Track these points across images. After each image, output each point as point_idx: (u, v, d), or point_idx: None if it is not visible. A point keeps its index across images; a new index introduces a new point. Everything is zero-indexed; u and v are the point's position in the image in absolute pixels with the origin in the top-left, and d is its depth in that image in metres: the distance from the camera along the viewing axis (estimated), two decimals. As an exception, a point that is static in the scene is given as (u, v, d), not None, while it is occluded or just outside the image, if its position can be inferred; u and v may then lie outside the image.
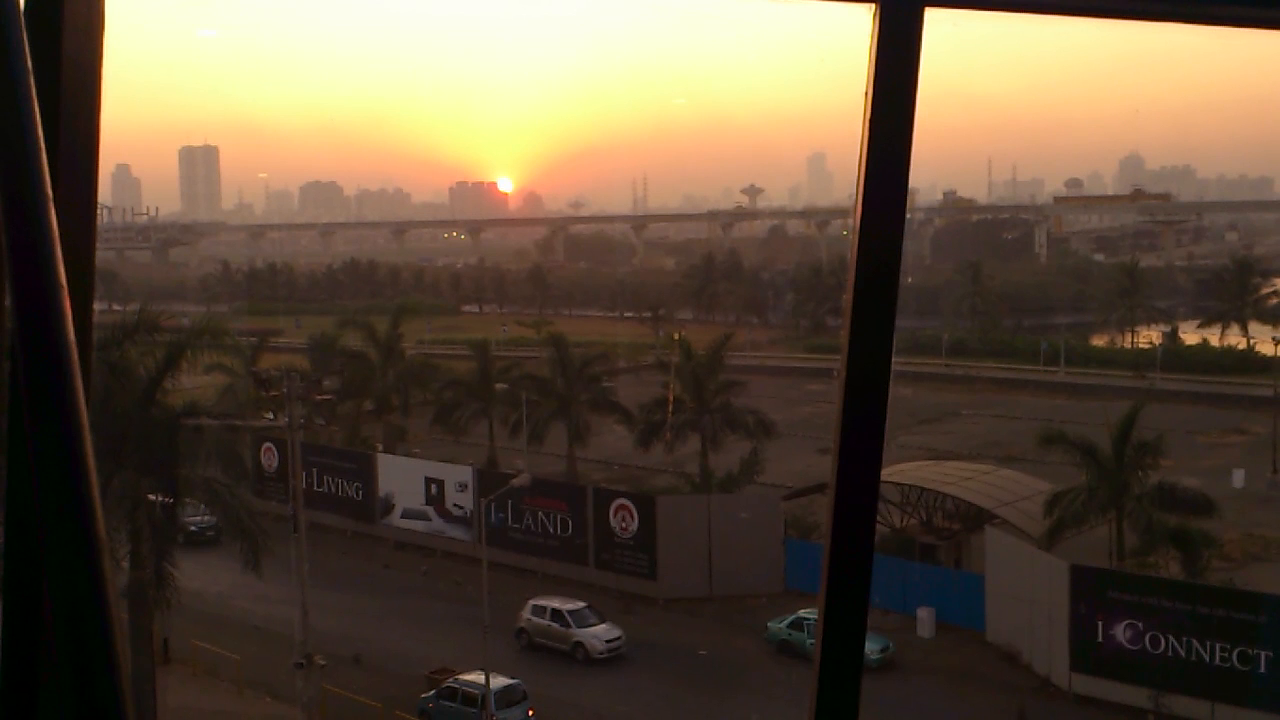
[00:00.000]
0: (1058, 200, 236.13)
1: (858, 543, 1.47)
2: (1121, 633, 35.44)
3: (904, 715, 34.14)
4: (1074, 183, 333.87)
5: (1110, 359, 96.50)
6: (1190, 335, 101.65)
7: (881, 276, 1.46)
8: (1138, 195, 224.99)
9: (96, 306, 1.71)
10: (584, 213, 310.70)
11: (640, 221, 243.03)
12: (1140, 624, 35.13)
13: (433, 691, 35.47)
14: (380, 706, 34.84)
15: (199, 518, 43.47)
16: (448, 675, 35.91)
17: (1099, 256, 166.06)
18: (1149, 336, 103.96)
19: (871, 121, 1.45)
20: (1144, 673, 34.69)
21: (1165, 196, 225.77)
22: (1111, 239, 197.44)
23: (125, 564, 31.66)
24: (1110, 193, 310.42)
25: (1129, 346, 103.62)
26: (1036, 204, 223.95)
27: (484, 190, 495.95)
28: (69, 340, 1.19)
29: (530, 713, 34.43)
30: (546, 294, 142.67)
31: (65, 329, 1.19)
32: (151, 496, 32.61)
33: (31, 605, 1.50)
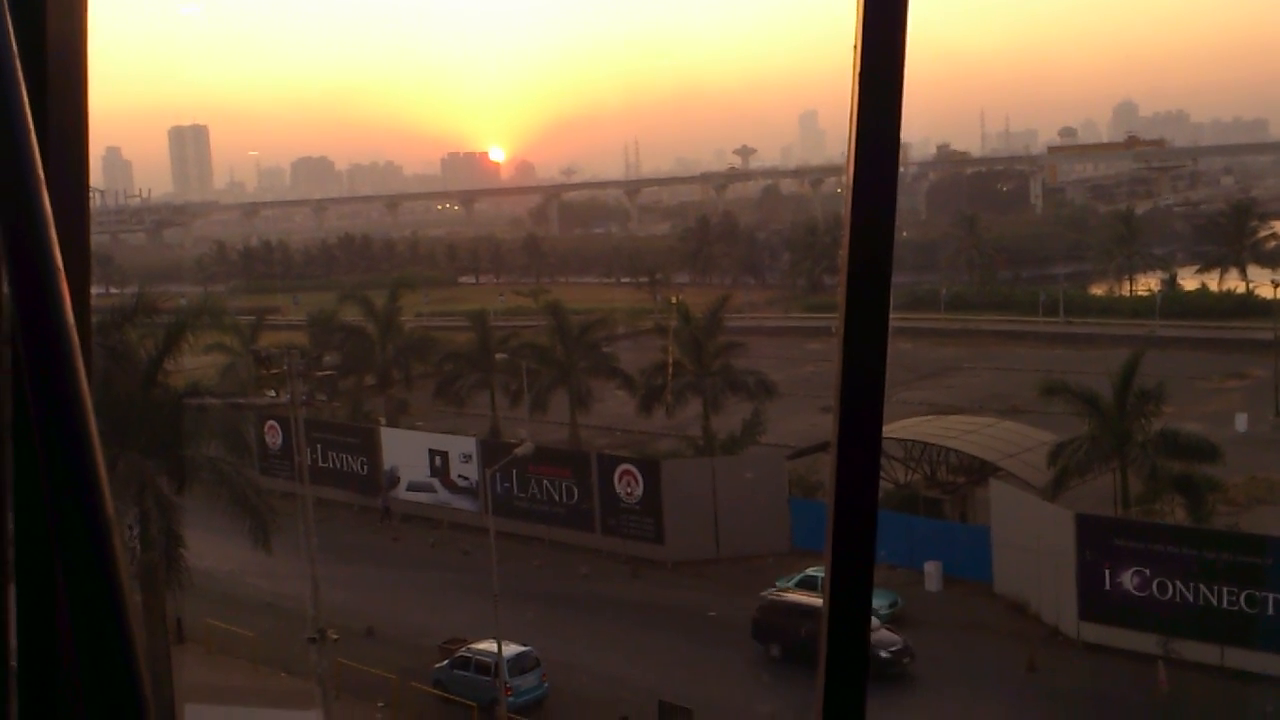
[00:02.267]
0: (1052, 150, 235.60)
1: (862, 500, 1.47)
2: (1129, 580, 35.59)
3: (914, 668, 34.35)
4: (1068, 132, 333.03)
5: (1109, 307, 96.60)
6: (1189, 281, 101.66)
7: (876, 233, 1.43)
8: (1132, 142, 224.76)
9: (93, 290, 1.74)
10: (576, 179, 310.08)
11: (633, 186, 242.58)
12: (1147, 570, 35.27)
13: (446, 661, 35.69)
14: (395, 678, 35.05)
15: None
16: (460, 645, 36.11)
17: (1095, 205, 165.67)
18: (1147, 284, 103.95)
19: (861, 76, 1.42)
20: (1152, 619, 34.87)
21: (1160, 142, 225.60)
22: (1107, 187, 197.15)
23: (135, 546, 31.74)
24: (1104, 140, 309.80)
25: (1128, 294, 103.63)
26: (1031, 154, 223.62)
27: (476, 160, 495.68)
28: (68, 323, 1.21)
29: (544, 679, 34.63)
30: (542, 262, 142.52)
31: (64, 312, 1.20)
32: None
33: (45, 586, 1.52)
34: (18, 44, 1.26)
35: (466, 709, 33.62)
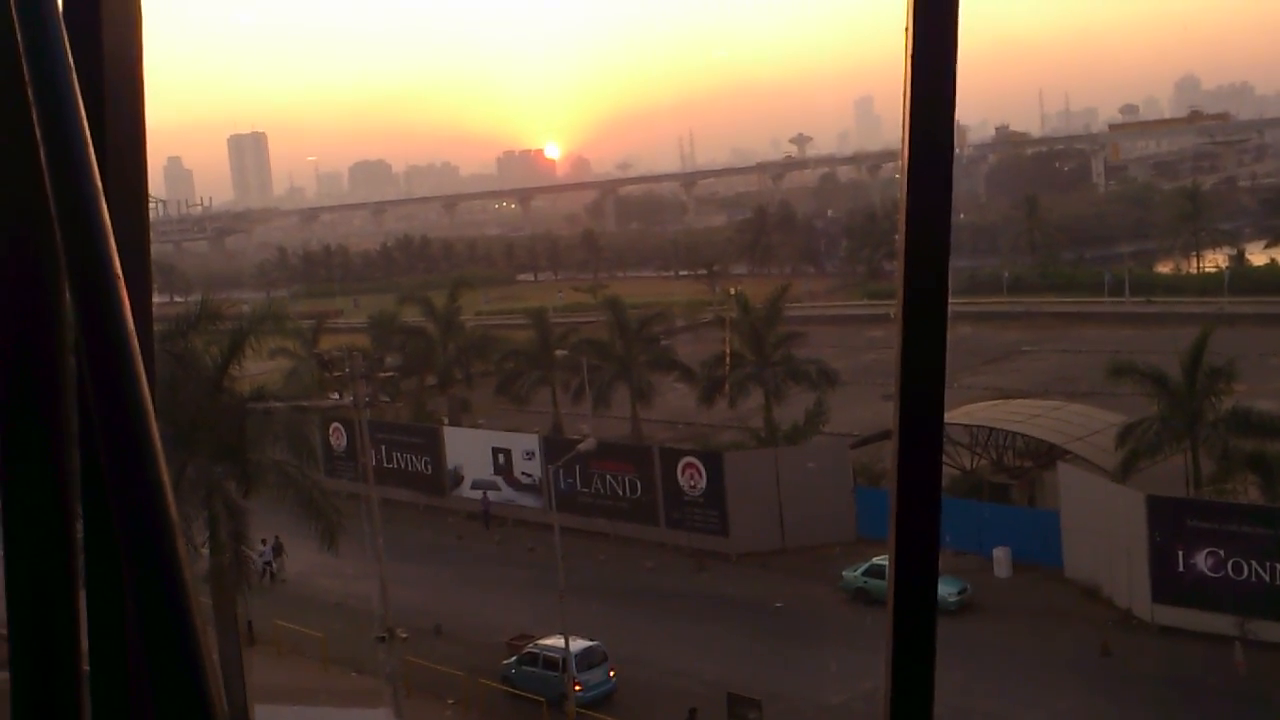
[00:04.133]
0: (1113, 128, 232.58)
1: (925, 487, 1.46)
2: (1202, 561, 35.00)
3: (986, 656, 33.97)
4: (1129, 109, 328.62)
5: (1176, 285, 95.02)
6: (1257, 256, 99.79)
7: (932, 217, 1.42)
8: (1195, 117, 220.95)
9: (158, 299, 1.77)
10: (632, 174, 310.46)
11: (689, 179, 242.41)
12: (1221, 551, 34.67)
13: (514, 658, 35.86)
14: (464, 675, 35.28)
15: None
16: (528, 641, 36.28)
17: (1159, 182, 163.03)
18: (1215, 260, 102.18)
19: (913, 59, 1.40)
20: (1228, 600, 34.27)
21: (1224, 116, 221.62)
22: (1171, 163, 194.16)
23: (205, 550, 32.14)
24: (1167, 116, 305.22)
25: (1195, 272, 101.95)
26: (1091, 133, 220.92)
27: (531, 158, 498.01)
28: (129, 331, 1.24)
29: (611, 674, 34.71)
30: (600, 257, 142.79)
31: (125, 321, 1.24)
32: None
33: (113, 591, 1.56)
34: (74, 57, 1.29)
35: (535, 704, 33.77)
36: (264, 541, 43.71)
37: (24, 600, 1.54)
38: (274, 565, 45.96)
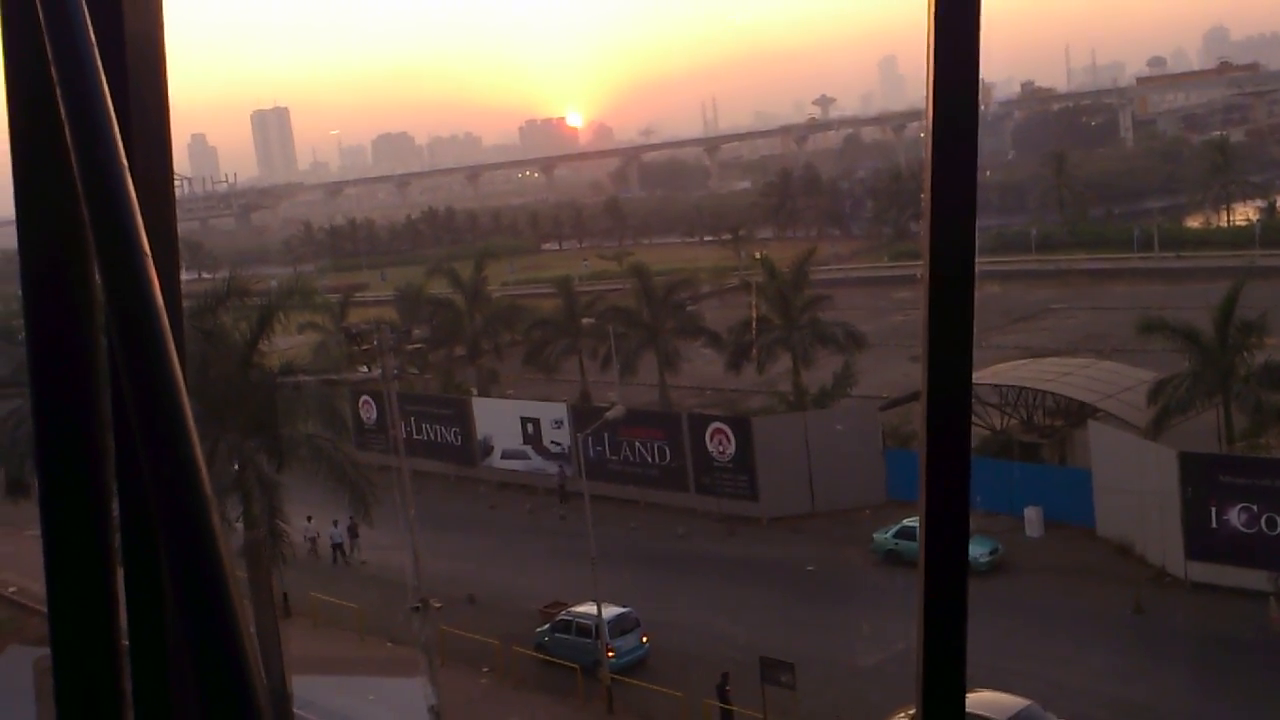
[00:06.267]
0: (1141, 81, 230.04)
1: (954, 447, 1.45)
2: (1236, 517, 34.79)
3: (1019, 615, 33.95)
4: (1157, 61, 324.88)
5: (1206, 239, 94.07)
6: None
7: (958, 176, 1.41)
8: (1224, 68, 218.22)
9: (185, 276, 1.79)
10: (655, 140, 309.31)
11: (712, 143, 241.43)
12: (1255, 507, 34.45)
13: (547, 625, 36.08)
14: (498, 643, 35.53)
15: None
16: (560, 608, 36.48)
17: (1189, 135, 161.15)
18: (1245, 213, 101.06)
19: (937, 16, 1.38)
20: (1262, 555, 34.07)
21: (1254, 67, 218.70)
22: (1200, 116, 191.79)
23: (239, 524, 32.41)
24: (1195, 68, 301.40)
25: (1225, 225, 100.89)
26: (1119, 87, 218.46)
27: (553, 127, 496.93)
28: (158, 308, 1.25)
29: (644, 639, 34.88)
30: (624, 225, 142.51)
31: (154, 298, 1.25)
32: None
33: (151, 568, 1.57)
34: (96, 37, 1.29)
35: (569, 671, 34.00)
36: (335, 523, 43.93)
37: (62, 578, 1.56)
38: (345, 547, 45.51)
